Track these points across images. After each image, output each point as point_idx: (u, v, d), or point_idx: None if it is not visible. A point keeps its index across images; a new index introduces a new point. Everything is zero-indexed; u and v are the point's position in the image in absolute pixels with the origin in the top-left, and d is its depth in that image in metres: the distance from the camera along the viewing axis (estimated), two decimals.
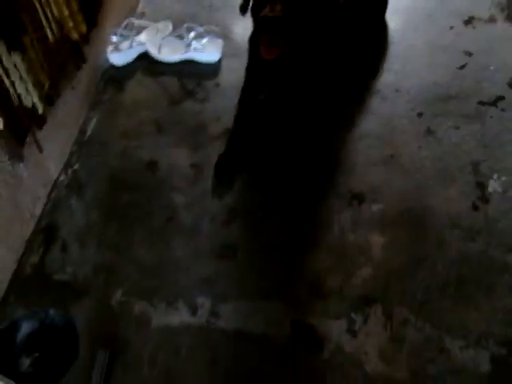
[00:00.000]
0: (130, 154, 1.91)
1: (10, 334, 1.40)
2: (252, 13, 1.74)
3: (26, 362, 1.37)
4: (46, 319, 1.49)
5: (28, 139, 1.63)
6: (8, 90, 1.47)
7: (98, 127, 1.99)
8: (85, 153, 1.91)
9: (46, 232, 1.73)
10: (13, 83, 1.48)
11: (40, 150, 1.68)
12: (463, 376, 1.42)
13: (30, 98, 1.57)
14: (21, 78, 1.51)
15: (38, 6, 1.60)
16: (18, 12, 1.50)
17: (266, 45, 1.67)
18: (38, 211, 1.75)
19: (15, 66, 1.48)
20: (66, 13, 1.73)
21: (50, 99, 1.70)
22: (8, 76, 1.46)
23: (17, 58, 1.48)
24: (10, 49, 1.46)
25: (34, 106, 1.60)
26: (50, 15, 1.67)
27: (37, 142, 1.66)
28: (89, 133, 1.97)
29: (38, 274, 1.65)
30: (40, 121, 1.65)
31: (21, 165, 1.62)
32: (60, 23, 1.74)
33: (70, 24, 1.78)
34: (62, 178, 1.85)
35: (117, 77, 2.14)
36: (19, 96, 1.52)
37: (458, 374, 1.42)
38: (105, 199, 1.80)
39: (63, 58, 1.80)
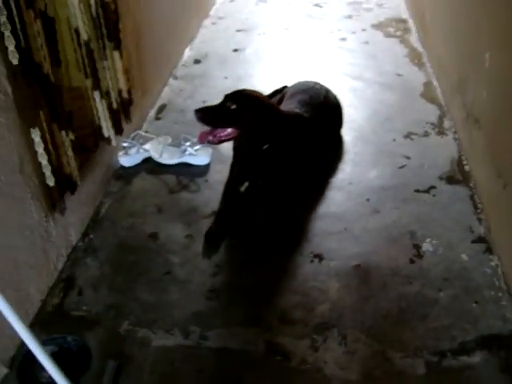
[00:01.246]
0: (135, 228, 2.36)
1: (33, 356, 1.74)
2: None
3: (45, 375, 1.70)
4: (63, 343, 1.85)
5: (57, 205, 2.09)
6: (55, 157, 1.96)
7: (109, 209, 2.45)
8: (98, 227, 2.36)
9: (66, 282, 2.12)
10: (58, 154, 1.99)
11: (63, 211, 2.12)
12: (403, 377, 1.78)
13: (69, 167, 2.07)
14: (66, 151, 2.02)
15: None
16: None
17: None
18: (59, 266, 2.15)
19: (63, 141, 2.00)
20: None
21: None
22: (58, 147, 1.97)
23: (65, 136, 2.01)
24: (61, 129, 1.99)
25: (71, 174, 2.09)
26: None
27: (64, 204, 2.11)
28: (102, 213, 2.43)
29: (58, 312, 2.01)
30: (73, 187, 2.12)
31: (52, 223, 2.06)
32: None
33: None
34: (80, 243, 2.28)
35: (125, 175, 2.66)
36: (62, 164, 2.01)
37: (399, 375, 1.79)
38: (114, 259, 2.22)
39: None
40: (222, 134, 2.28)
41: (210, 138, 2.29)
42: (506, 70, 2.18)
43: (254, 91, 2.40)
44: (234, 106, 2.24)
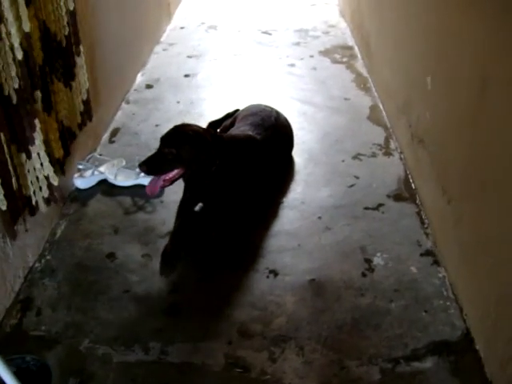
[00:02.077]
0: (92, 248, 2.37)
1: None
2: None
3: None
4: (22, 364, 1.84)
5: (16, 227, 2.10)
6: (11, 179, 1.96)
7: (65, 231, 2.46)
8: (55, 248, 2.36)
9: (23, 302, 2.12)
10: (17, 176, 1.99)
11: (15, 236, 2.12)
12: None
13: (29, 190, 2.08)
14: (25, 173, 2.04)
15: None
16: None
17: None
18: (16, 287, 2.15)
19: (21, 163, 2.01)
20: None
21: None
22: (16, 170, 1.98)
23: (23, 157, 2.02)
24: (19, 151, 2.00)
25: (29, 196, 2.10)
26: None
27: (25, 224, 2.12)
28: (58, 234, 2.44)
29: (17, 332, 2.01)
30: (32, 209, 2.13)
31: (9, 245, 2.06)
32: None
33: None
34: (36, 265, 2.28)
35: (81, 196, 2.67)
36: (20, 186, 2.02)
37: (356, 382, 1.85)
38: (72, 279, 2.22)
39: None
40: (169, 177, 2.37)
41: (161, 183, 2.37)
42: (447, 92, 2.32)
43: (186, 125, 2.48)
44: (172, 151, 2.32)
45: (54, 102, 2.37)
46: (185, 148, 2.33)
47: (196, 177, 2.46)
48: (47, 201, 2.19)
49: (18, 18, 1.94)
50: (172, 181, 2.38)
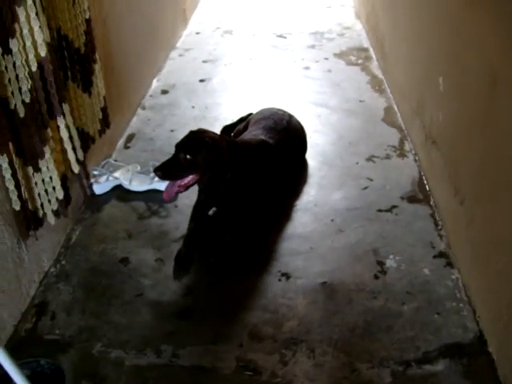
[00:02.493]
0: (106, 253, 2.40)
1: (6, 381, 1.77)
2: None
3: None
4: (37, 367, 1.87)
5: (31, 232, 2.13)
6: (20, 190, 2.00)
7: (80, 236, 2.50)
8: (70, 253, 2.40)
9: (39, 307, 2.15)
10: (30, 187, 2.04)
11: (36, 237, 2.16)
12: None
13: (35, 202, 2.12)
14: (31, 187, 2.08)
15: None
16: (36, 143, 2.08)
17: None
18: (32, 292, 2.18)
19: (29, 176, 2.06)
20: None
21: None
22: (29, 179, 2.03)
23: (30, 170, 2.06)
24: (25, 164, 2.03)
25: (36, 209, 2.13)
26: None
27: (35, 233, 2.15)
28: (73, 240, 2.48)
29: (31, 336, 2.04)
30: (38, 222, 2.16)
31: (24, 250, 2.10)
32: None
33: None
34: (52, 269, 2.31)
35: (96, 202, 2.70)
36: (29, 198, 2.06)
37: None
38: (87, 283, 2.26)
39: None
40: (185, 182, 2.37)
41: (176, 189, 2.38)
42: (458, 93, 2.31)
43: (202, 132, 2.48)
44: (188, 157, 2.32)
45: (75, 109, 2.42)
46: (201, 154, 2.34)
47: (211, 183, 2.47)
48: (56, 213, 2.21)
49: (30, 29, 1.97)
50: (187, 186, 2.39)
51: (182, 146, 2.38)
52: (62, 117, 2.19)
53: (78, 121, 2.47)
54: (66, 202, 2.27)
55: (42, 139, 2.06)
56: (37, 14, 1.98)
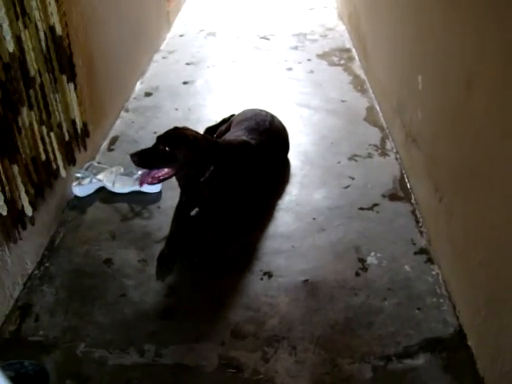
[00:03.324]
0: (90, 254, 2.41)
1: None
2: None
3: None
4: (20, 369, 1.88)
5: (12, 235, 2.14)
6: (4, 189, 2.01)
7: (64, 238, 2.51)
8: (54, 255, 2.41)
9: (22, 309, 2.15)
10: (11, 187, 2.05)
11: (16, 241, 2.17)
12: (351, 382, 1.87)
13: (20, 201, 2.13)
14: (17, 186, 2.09)
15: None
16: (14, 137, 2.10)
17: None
18: (15, 294, 2.19)
19: (14, 175, 2.06)
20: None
21: (34, 206, 2.24)
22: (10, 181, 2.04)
23: (15, 168, 2.07)
24: (10, 162, 2.04)
25: (23, 207, 2.14)
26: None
27: (19, 234, 2.16)
28: (57, 242, 2.48)
29: (15, 338, 2.04)
30: (23, 223, 2.18)
31: (7, 252, 2.11)
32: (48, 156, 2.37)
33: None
34: (35, 272, 2.32)
35: (79, 204, 2.71)
36: (14, 198, 2.07)
37: (348, 380, 1.87)
38: (70, 285, 2.26)
39: (44, 180, 2.38)
40: (159, 174, 2.41)
41: (149, 179, 2.42)
42: (436, 91, 2.35)
43: (186, 129, 2.51)
44: (167, 149, 2.35)
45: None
46: (180, 149, 2.37)
47: (187, 180, 2.50)
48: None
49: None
50: (160, 180, 2.42)
51: (163, 138, 2.41)
52: None
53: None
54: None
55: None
56: None
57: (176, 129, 2.49)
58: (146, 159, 2.38)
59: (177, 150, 2.37)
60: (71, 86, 2.56)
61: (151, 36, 4.57)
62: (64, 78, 2.50)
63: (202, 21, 5.41)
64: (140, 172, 2.55)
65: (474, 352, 1.93)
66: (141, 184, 2.46)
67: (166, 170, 2.40)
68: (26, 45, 2.16)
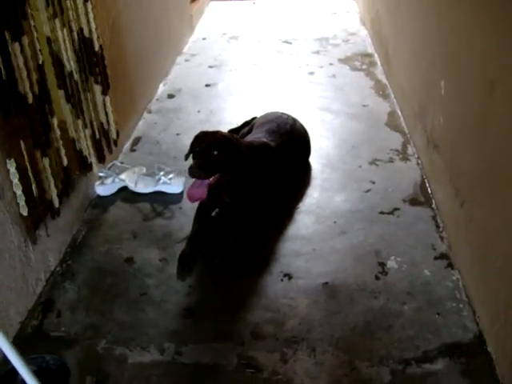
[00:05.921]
0: (111, 253, 2.44)
1: (12, 377, 1.79)
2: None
3: None
4: (42, 363, 1.91)
5: (37, 232, 2.18)
6: (31, 186, 2.05)
7: (86, 236, 2.54)
8: (76, 253, 2.44)
9: (45, 305, 2.19)
10: (40, 179, 2.08)
11: (36, 240, 2.19)
12: None
13: (50, 193, 2.17)
14: (46, 177, 2.12)
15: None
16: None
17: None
18: (38, 290, 2.22)
19: (44, 167, 2.10)
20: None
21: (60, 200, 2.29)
22: (36, 176, 2.07)
23: (46, 161, 2.11)
24: (43, 155, 2.09)
25: (51, 200, 2.18)
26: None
27: (47, 230, 2.20)
28: (79, 240, 2.52)
29: (37, 333, 2.08)
30: (53, 212, 2.22)
31: (31, 248, 2.14)
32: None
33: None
34: (58, 268, 2.35)
35: (102, 203, 2.75)
36: (43, 190, 2.11)
37: (366, 383, 1.88)
38: (92, 282, 2.30)
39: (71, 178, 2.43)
40: (206, 183, 2.34)
41: (201, 191, 2.33)
42: (459, 96, 2.34)
43: (214, 132, 2.51)
44: (215, 152, 2.33)
45: None
46: (230, 152, 2.38)
47: (228, 182, 2.49)
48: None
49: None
50: (208, 189, 2.35)
51: (210, 143, 2.36)
52: None
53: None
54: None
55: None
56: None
57: (210, 133, 2.48)
58: (205, 169, 2.31)
59: (227, 153, 2.36)
60: (98, 87, 2.60)
61: (174, 39, 4.61)
62: (92, 79, 2.54)
63: (224, 24, 5.45)
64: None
65: (493, 357, 1.92)
66: (199, 199, 2.36)
67: (212, 177, 2.34)
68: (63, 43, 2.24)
